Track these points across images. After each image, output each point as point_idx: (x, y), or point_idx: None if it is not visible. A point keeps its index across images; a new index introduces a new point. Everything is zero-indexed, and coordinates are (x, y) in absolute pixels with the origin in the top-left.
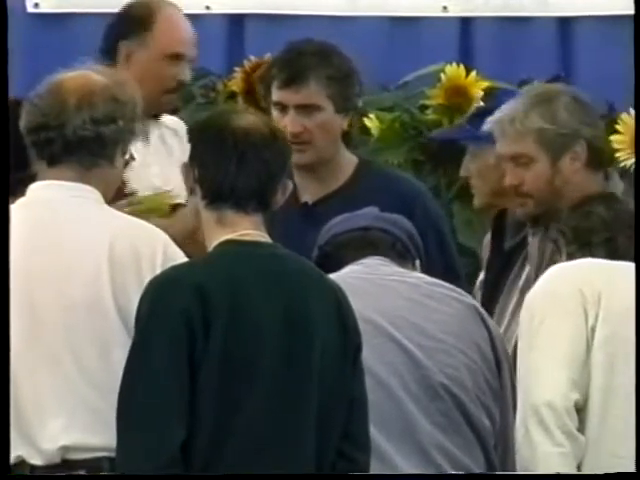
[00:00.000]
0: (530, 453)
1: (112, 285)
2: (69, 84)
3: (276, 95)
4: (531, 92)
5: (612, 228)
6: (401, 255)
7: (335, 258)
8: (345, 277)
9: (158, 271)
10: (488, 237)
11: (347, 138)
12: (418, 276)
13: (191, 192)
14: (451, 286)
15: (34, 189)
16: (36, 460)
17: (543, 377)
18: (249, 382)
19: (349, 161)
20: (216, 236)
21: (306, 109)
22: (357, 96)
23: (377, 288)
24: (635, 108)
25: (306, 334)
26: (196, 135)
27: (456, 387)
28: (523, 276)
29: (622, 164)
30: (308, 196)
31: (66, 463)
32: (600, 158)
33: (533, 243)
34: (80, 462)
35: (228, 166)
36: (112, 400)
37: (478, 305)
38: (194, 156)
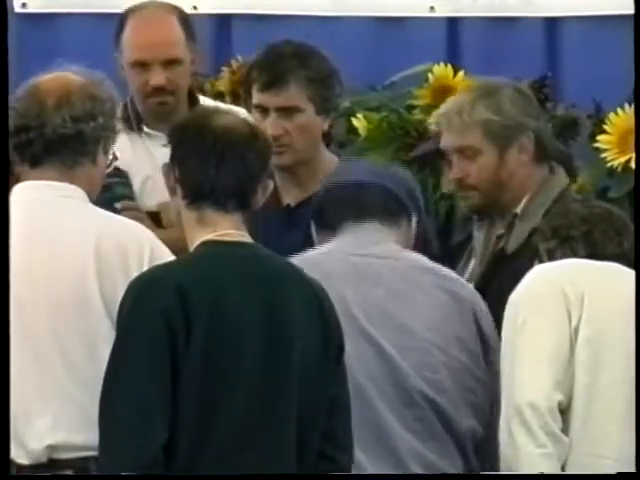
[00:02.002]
0: (513, 453)
1: (99, 283)
2: (46, 85)
3: (256, 98)
4: (474, 85)
5: (589, 222)
6: (394, 213)
7: (330, 213)
8: (328, 261)
9: (145, 268)
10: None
11: (328, 139)
12: (410, 258)
13: (172, 192)
14: (445, 273)
15: (20, 189)
16: (23, 459)
17: (526, 377)
18: (230, 382)
19: (330, 161)
20: (197, 236)
21: (287, 111)
22: (337, 97)
23: (359, 274)
24: (635, 108)
25: (287, 335)
26: (177, 135)
27: (433, 391)
28: (468, 270)
29: (609, 164)
30: (290, 198)
31: (53, 462)
32: (545, 151)
33: (478, 237)
34: (67, 461)
35: (208, 165)
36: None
37: (470, 295)
38: (175, 156)
